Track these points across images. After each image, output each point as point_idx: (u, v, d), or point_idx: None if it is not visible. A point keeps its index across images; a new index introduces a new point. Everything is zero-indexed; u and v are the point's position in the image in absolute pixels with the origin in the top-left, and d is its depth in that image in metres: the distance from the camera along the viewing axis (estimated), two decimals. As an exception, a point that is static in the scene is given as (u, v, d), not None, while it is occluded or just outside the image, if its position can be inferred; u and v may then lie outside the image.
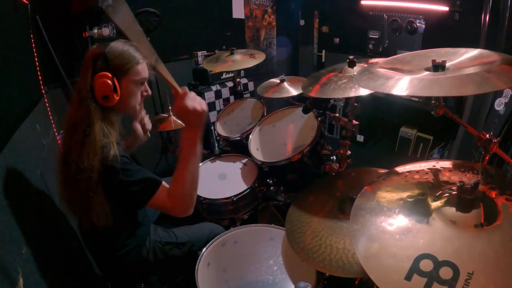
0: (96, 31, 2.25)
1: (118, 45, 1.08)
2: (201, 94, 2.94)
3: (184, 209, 1.08)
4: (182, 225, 1.47)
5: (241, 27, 3.43)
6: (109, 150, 1.00)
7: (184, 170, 1.05)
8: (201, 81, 3.01)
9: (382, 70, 0.99)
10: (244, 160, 1.98)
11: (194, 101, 0.98)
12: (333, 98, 3.33)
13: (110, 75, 1.02)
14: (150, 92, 1.20)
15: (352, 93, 1.23)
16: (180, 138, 1.05)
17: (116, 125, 1.12)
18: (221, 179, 1.88)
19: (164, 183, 1.09)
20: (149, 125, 1.44)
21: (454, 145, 2.42)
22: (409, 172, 0.94)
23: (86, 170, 0.97)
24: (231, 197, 1.68)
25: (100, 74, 1.02)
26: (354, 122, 1.46)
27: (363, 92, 1.20)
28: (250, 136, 1.97)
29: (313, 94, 1.35)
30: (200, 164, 1.95)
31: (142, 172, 1.07)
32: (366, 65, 1.31)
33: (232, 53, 2.18)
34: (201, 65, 2.89)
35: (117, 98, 1.06)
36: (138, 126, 1.41)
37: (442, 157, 2.66)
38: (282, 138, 1.98)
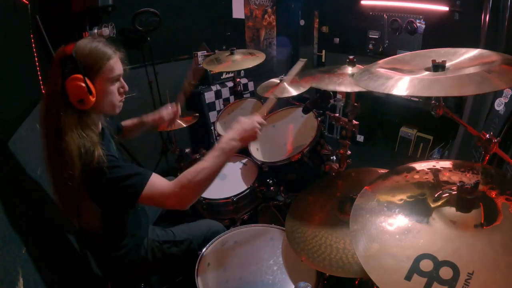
0: (96, 31, 2.25)
1: (86, 43, 1.02)
2: (201, 94, 2.94)
3: (182, 199, 1.05)
4: (181, 224, 1.47)
5: (241, 27, 3.43)
6: (92, 152, 0.96)
7: (207, 164, 1.06)
8: (201, 81, 3.01)
9: (382, 70, 0.99)
10: (244, 160, 1.98)
11: (260, 131, 1.18)
12: (333, 98, 3.33)
13: (81, 77, 0.97)
14: (127, 88, 1.14)
15: (350, 88, 1.24)
16: (222, 138, 1.13)
17: (94, 127, 1.07)
18: (221, 179, 1.88)
19: (156, 174, 1.05)
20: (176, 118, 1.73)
21: (454, 145, 2.42)
22: (409, 172, 0.94)
23: (67, 179, 0.94)
24: (231, 197, 1.68)
25: (71, 77, 0.96)
26: (354, 122, 1.46)
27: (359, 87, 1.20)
28: (250, 136, 1.97)
29: (309, 82, 1.36)
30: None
31: (131, 167, 1.04)
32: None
33: (232, 53, 2.18)
34: (201, 65, 2.89)
35: (93, 99, 1.01)
36: (168, 116, 1.66)
37: (442, 157, 2.66)
38: (282, 138, 1.98)
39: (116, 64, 1.07)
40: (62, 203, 1.07)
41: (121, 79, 1.12)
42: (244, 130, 1.15)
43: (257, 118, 1.20)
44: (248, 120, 1.18)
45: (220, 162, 1.08)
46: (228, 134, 1.14)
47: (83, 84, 0.97)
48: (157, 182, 1.04)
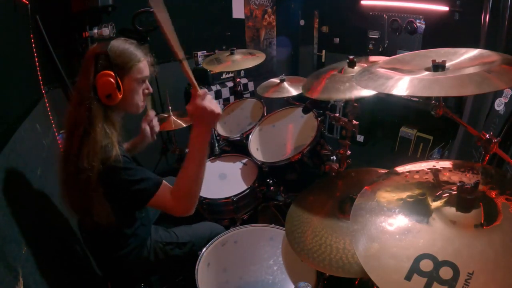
0: (96, 31, 2.25)
1: (119, 43, 1.09)
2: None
3: (186, 208, 1.08)
4: (182, 225, 1.47)
5: (241, 27, 3.43)
6: (111, 150, 1.00)
7: (190, 169, 1.06)
8: (201, 81, 3.01)
9: (382, 70, 0.99)
10: (244, 160, 1.98)
11: (211, 103, 1.01)
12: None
13: (113, 74, 1.03)
14: (151, 90, 1.20)
15: (355, 94, 1.23)
16: (190, 138, 1.06)
17: (117, 125, 1.12)
18: (221, 179, 1.88)
19: (165, 182, 1.09)
20: (157, 127, 1.51)
21: (454, 145, 2.42)
22: (409, 172, 0.94)
23: (86, 170, 0.97)
24: (231, 197, 1.68)
25: (103, 72, 1.02)
26: (354, 122, 1.46)
27: (366, 93, 1.19)
28: (250, 136, 1.97)
29: (315, 95, 1.35)
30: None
31: (143, 171, 1.07)
32: (365, 65, 1.31)
33: (232, 53, 2.18)
34: (201, 65, 2.89)
35: (120, 96, 1.06)
36: (146, 127, 1.46)
37: (442, 157, 2.66)
38: (282, 138, 1.98)
39: (145, 66, 1.14)
40: (72, 197, 1.08)
41: (147, 81, 1.17)
42: (199, 118, 1.02)
43: (198, 100, 1.00)
44: (194, 106, 1.00)
45: (200, 158, 1.05)
46: (192, 132, 1.05)
47: (113, 80, 1.03)
48: (166, 191, 1.06)
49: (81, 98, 1.04)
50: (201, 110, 1.00)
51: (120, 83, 1.05)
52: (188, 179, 1.06)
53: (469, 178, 0.85)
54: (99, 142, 1.00)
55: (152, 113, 1.48)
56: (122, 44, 1.09)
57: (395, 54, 1.33)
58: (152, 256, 1.30)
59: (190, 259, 1.33)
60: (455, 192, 0.78)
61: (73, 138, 1.02)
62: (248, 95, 3.24)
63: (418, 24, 2.70)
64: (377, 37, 3.06)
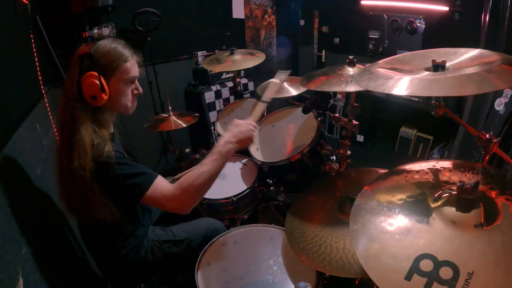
0: (96, 31, 2.25)
1: (105, 44, 1.07)
2: (201, 94, 2.95)
3: (184, 203, 1.07)
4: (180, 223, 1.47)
5: (241, 27, 3.43)
6: (103, 147, 1.00)
7: (206, 167, 1.08)
8: (201, 81, 3.02)
9: (382, 70, 0.99)
10: (244, 160, 1.98)
11: (255, 136, 1.23)
12: (333, 98, 3.33)
13: (96, 75, 1.01)
14: (141, 90, 1.17)
15: (352, 88, 1.24)
16: (219, 141, 1.15)
17: (108, 124, 1.12)
18: (221, 179, 1.88)
19: (161, 176, 1.08)
20: None
21: (454, 145, 2.42)
22: (409, 172, 0.94)
23: (79, 170, 0.97)
24: (231, 197, 1.68)
25: (87, 74, 1.01)
26: (354, 122, 1.46)
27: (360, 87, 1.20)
28: (250, 136, 1.97)
29: (312, 87, 1.36)
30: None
31: (137, 166, 1.07)
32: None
33: (232, 53, 2.18)
34: (201, 65, 2.89)
35: (106, 97, 1.04)
36: None
37: (442, 157, 2.66)
38: (282, 138, 1.98)
39: (133, 66, 1.11)
40: (68, 197, 1.08)
41: (136, 82, 1.16)
42: (240, 132, 1.18)
43: (251, 121, 1.24)
44: (243, 122, 1.22)
45: (218, 165, 1.11)
46: (224, 137, 1.17)
47: (97, 82, 1.01)
48: (161, 184, 1.06)
49: (67, 99, 1.03)
50: (247, 126, 1.19)
51: (104, 84, 1.03)
52: (198, 174, 1.07)
53: (469, 178, 0.85)
54: (88, 141, 0.99)
55: None
56: (108, 44, 1.07)
57: (395, 54, 1.33)
58: (150, 255, 1.30)
59: (188, 256, 1.34)
60: (455, 192, 0.78)
61: (62, 139, 1.03)
62: (248, 95, 3.24)
63: (418, 24, 2.70)
64: (377, 37, 3.06)
